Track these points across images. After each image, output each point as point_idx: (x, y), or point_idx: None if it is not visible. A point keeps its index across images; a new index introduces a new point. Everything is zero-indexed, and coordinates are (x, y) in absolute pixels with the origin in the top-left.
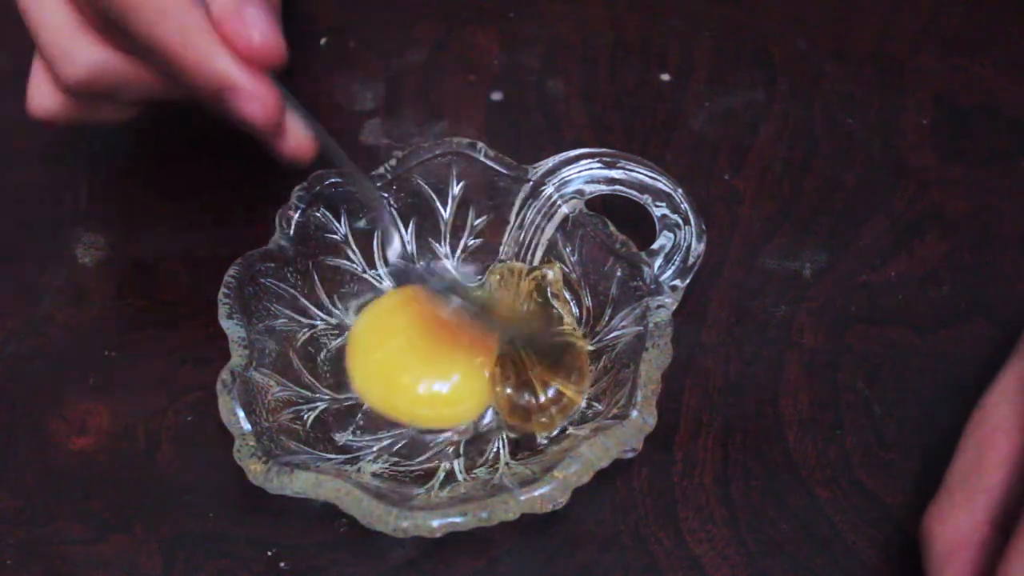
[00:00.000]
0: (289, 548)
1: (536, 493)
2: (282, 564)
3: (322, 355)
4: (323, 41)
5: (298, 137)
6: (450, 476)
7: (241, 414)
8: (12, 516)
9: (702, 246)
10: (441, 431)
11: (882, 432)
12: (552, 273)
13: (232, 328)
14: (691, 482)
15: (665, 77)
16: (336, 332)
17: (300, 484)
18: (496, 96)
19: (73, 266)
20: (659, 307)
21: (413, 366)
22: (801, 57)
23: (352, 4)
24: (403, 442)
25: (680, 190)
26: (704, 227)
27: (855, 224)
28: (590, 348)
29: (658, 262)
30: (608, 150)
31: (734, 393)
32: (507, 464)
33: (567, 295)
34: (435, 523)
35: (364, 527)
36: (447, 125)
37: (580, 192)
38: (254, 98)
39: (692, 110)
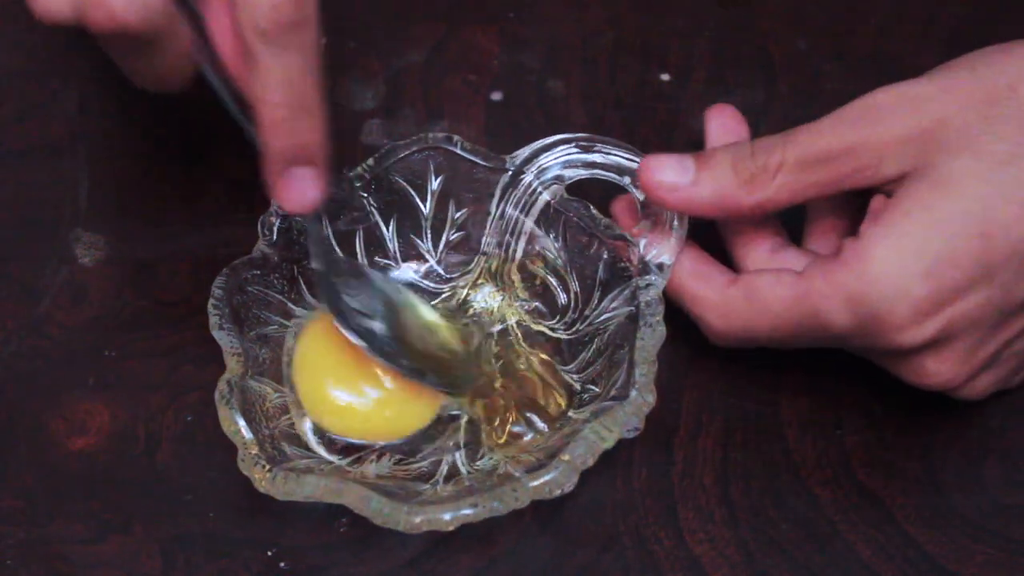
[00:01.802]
0: (289, 548)
1: (544, 479)
2: (282, 564)
3: None
4: (323, 41)
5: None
6: (453, 470)
7: (242, 423)
8: (12, 516)
9: (686, 220)
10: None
11: (882, 432)
12: (543, 258)
13: (224, 338)
14: (691, 482)
15: (665, 77)
16: None
17: (308, 489)
18: (496, 96)
19: (73, 266)
20: (648, 286)
21: (354, 382)
22: (801, 57)
23: (352, 4)
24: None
25: None
26: None
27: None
28: (578, 331)
29: (643, 242)
30: (584, 134)
31: (734, 393)
32: (509, 456)
33: (554, 281)
34: (447, 516)
35: (364, 527)
36: (447, 125)
37: (559, 178)
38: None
39: (692, 110)
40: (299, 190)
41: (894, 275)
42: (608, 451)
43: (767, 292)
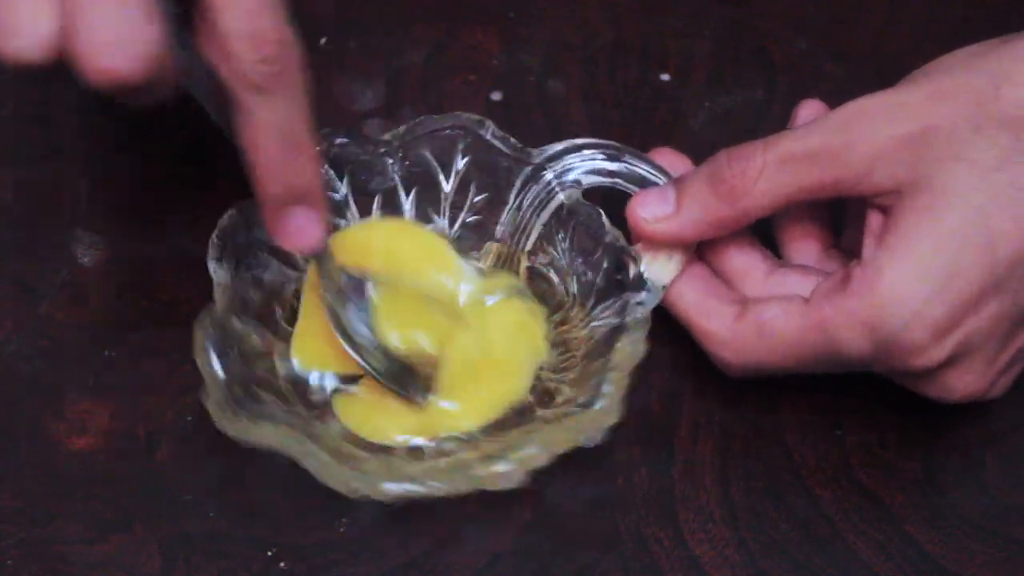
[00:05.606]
0: (289, 548)
1: (493, 469)
2: (282, 564)
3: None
4: (323, 41)
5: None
6: (417, 447)
7: (214, 356)
8: (12, 516)
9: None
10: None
11: (882, 432)
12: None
13: (219, 272)
14: (691, 482)
15: (665, 77)
16: None
17: (262, 432)
18: (496, 96)
19: (73, 266)
20: (639, 303)
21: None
22: (801, 57)
23: (352, 4)
24: None
25: None
26: None
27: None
28: (574, 334)
29: (645, 258)
30: (614, 143)
31: (734, 393)
32: (472, 438)
33: (555, 279)
34: (389, 487)
35: (364, 527)
36: None
37: (579, 182)
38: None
39: (692, 110)
40: (299, 231)
41: (908, 300)
42: (607, 451)
43: (778, 325)
